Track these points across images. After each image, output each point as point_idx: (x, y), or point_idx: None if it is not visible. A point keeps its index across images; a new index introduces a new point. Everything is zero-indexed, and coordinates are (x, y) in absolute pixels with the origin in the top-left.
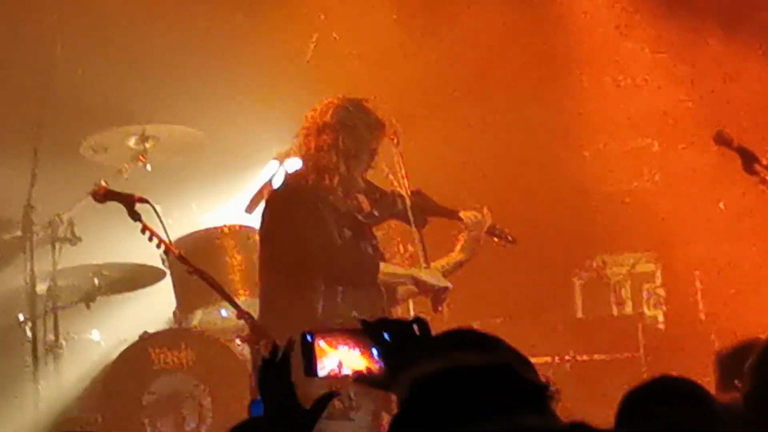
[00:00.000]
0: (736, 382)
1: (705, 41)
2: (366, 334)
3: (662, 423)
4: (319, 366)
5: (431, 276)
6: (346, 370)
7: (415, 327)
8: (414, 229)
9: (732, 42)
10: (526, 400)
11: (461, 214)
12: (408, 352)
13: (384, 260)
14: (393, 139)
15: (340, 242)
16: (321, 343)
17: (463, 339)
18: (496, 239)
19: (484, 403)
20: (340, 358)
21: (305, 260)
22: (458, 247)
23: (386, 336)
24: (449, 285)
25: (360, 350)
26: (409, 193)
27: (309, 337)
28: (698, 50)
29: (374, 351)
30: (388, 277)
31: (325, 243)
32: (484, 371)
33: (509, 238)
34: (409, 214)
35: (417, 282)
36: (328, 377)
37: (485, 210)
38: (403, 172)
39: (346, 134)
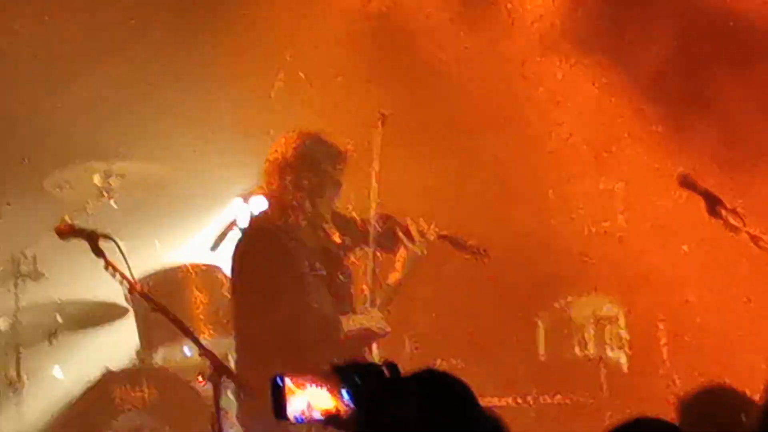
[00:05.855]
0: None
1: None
2: (336, 375)
3: None
4: (288, 407)
5: (377, 323)
6: (316, 412)
7: (385, 370)
8: (371, 253)
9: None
10: None
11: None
12: (378, 395)
13: (351, 295)
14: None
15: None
16: (288, 383)
17: (433, 382)
18: (467, 255)
19: None
20: (309, 399)
21: (278, 305)
22: (398, 266)
23: (356, 378)
24: (388, 330)
25: (328, 389)
26: (377, 217)
27: (279, 380)
28: (665, 92)
29: (344, 393)
30: (348, 335)
31: (296, 301)
32: None
33: (481, 250)
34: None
35: (367, 332)
36: (303, 420)
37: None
38: (374, 196)
39: (309, 172)
